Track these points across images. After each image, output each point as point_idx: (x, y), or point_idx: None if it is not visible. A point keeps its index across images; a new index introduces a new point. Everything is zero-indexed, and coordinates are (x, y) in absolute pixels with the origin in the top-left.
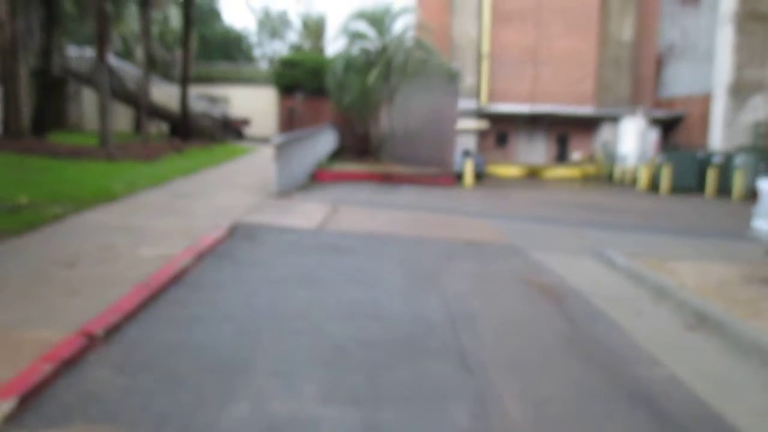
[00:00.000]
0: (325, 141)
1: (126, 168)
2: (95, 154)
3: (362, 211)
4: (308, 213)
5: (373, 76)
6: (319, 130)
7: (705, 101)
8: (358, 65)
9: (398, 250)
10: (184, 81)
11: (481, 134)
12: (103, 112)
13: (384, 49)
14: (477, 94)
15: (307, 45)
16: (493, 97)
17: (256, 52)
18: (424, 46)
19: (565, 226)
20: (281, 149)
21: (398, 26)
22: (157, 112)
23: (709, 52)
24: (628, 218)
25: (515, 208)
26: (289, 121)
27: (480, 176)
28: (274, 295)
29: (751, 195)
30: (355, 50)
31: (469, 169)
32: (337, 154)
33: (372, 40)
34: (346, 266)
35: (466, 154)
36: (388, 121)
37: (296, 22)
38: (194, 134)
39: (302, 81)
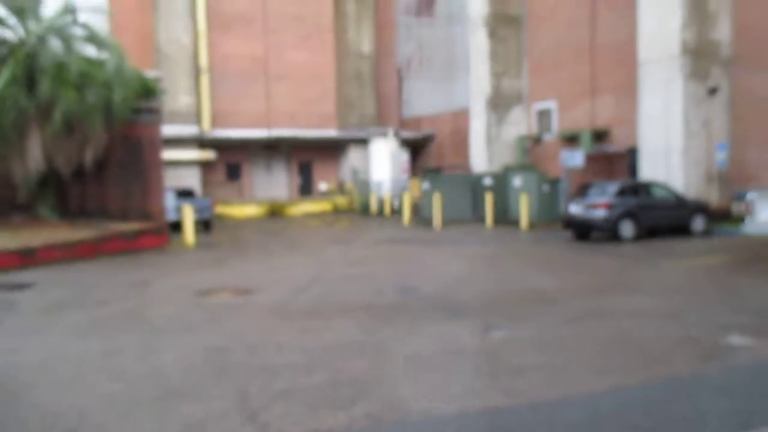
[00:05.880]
0: None
1: None
2: None
3: None
4: None
5: (1, 81)
6: None
7: (454, 119)
8: None
9: None
10: None
11: (207, 167)
12: None
13: (25, 40)
14: (197, 118)
15: None
16: (218, 120)
17: None
18: (98, 39)
19: None
20: None
21: (55, 7)
22: None
23: (448, 67)
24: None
25: (284, 354)
26: None
27: (208, 224)
28: None
29: (549, 223)
30: None
31: (188, 220)
32: None
33: (12, 28)
34: None
35: (185, 195)
36: (43, 153)
37: None
38: None
39: None
